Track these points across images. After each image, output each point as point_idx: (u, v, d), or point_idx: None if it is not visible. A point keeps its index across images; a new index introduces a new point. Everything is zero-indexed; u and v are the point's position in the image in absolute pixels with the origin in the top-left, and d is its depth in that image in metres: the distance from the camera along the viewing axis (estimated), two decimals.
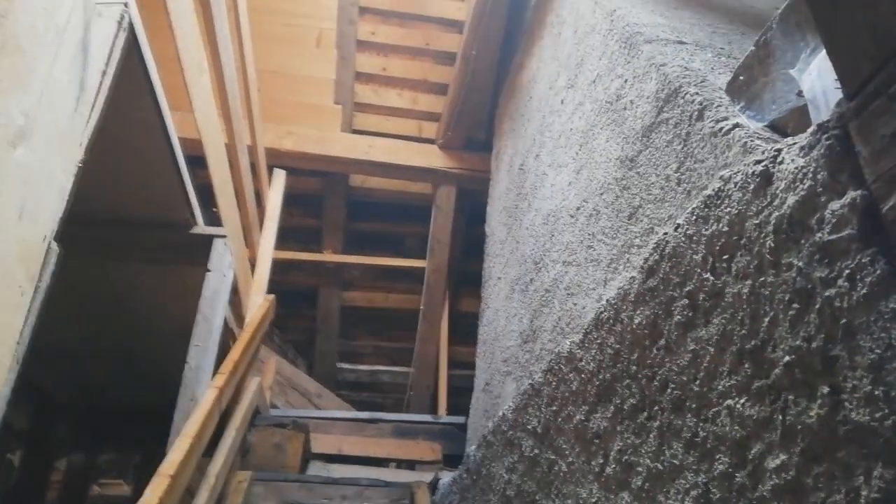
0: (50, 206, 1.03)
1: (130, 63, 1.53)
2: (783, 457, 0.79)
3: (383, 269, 4.90)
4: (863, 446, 0.68)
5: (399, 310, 5.05)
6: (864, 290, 0.70)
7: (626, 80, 1.84)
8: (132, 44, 1.44)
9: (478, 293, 3.51)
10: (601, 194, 1.86)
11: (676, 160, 1.41)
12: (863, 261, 0.70)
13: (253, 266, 3.37)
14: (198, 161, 2.23)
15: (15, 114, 0.92)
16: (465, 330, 4.39)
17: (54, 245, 1.05)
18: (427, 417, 4.27)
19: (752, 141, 1.14)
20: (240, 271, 2.79)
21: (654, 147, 1.55)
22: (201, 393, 2.05)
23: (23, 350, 0.99)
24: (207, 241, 2.19)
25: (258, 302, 3.21)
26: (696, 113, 1.37)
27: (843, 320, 0.72)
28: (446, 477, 2.81)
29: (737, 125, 1.22)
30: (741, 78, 1.29)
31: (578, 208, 2.06)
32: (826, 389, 0.73)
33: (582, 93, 2.25)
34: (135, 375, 3.21)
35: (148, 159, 1.90)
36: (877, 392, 0.67)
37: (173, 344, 2.25)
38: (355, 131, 4.44)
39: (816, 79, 0.96)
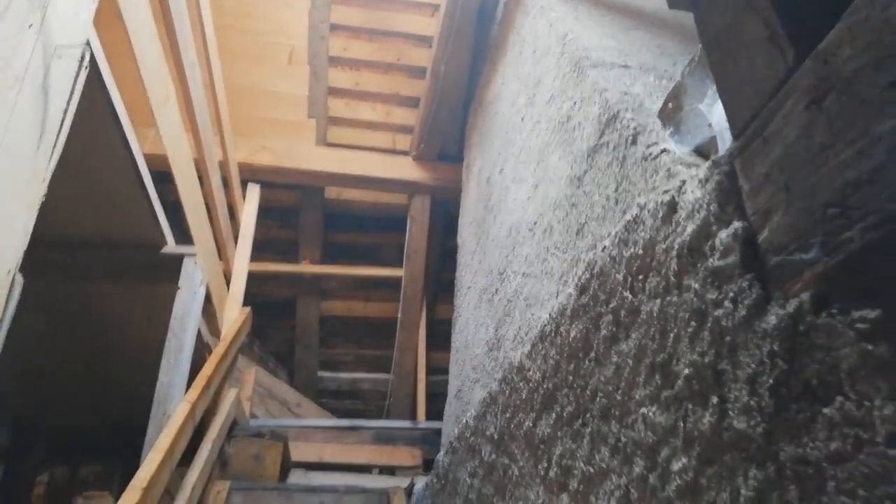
0: (13, 243, 1.10)
1: (93, 95, 1.59)
2: (684, 460, 0.87)
3: (361, 279, 4.97)
4: (742, 450, 0.76)
5: (377, 318, 5.13)
6: (743, 312, 0.78)
7: (574, 103, 1.93)
8: (95, 79, 1.51)
9: (453, 301, 3.59)
10: (554, 210, 1.95)
11: (615, 181, 1.50)
12: (742, 285, 0.79)
13: (228, 280, 3.43)
14: (168, 176, 2.28)
15: None
16: (442, 337, 4.47)
17: (18, 276, 1.11)
18: (406, 423, 4.35)
19: (675, 166, 1.23)
20: (213, 287, 2.85)
21: (598, 168, 1.64)
22: (174, 408, 2.11)
23: None
24: (178, 259, 2.25)
25: (234, 315, 3.28)
26: (630, 137, 1.46)
27: (728, 338, 0.81)
28: (421, 482, 2.89)
29: (664, 150, 1.31)
30: (670, 105, 1.38)
31: (535, 223, 2.14)
32: (715, 400, 0.82)
33: (539, 111, 2.34)
34: (113, 393, 3.25)
35: (115, 183, 1.96)
36: (752, 402, 0.75)
37: (148, 361, 2.30)
38: (329, 144, 4.51)
39: (721, 115, 1.05)
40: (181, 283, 2.22)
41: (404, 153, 4.47)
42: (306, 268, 4.83)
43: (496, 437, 1.70)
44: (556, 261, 1.85)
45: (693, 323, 0.88)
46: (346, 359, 5.27)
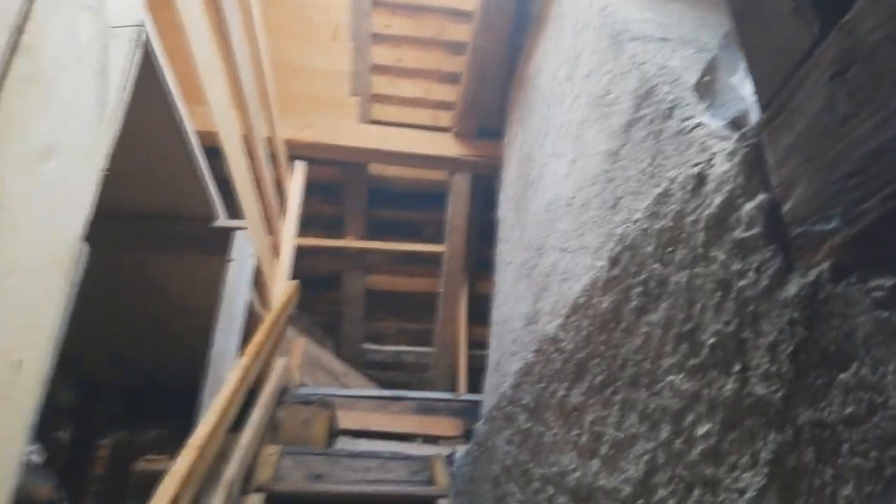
0: (78, 211, 1.18)
1: (147, 74, 1.67)
2: (708, 425, 0.90)
3: (403, 254, 5.05)
4: (762, 415, 0.79)
5: (420, 293, 5.21)
6: (766, 282, 0.81)
7: (612, 77, 1.93)
8: (148, 58, 1.58)
9: (493, 277, 3.64)
10: (591, 185, 1.96)
11: (650, 155, 1.51)
12: (766, 256, 0.81)
13: (277, 253, 3.55)
14: (218, 152, 2.38)
15: (44, 133, 1.07)
16: (482, 312, 4.51)
17: (84, 245, 1.20)
18: (448, 395, 4.43)
19: (708, 140, 1.23)
20: (262, 259, 2.96)
21: (633, 142, 1.65)
22: (227, 372, 2.22)
23: (61, 336, 1.15)
24: (228, 233, 2.35)
25: (282, 287, 3.39)
26: (666, 111, 1.47)
27: (751, 307, 0.83)
28: (462, 450, 2.97)
29: (699, 124, 1.32)
30: (706, 78, 1.38)
31: (573, 197, 2.16)
32: (738, 367, 0.85)
33: (578, 86, 2.34)
34: (171, 358, 3.42)
35: (168, 160, 2.05)
36: (772, 369, 0.78)
37: (204, 328, 2.42)
38: (372, 122, 4.57)
39: (751, 90, 1.05)
40: (232, 254, 2.31)
41: (445, 129, 4.49)
42: (351, 243, 4.93)
43: (531, 405, 1.75)
44: (592, 235, 1.87)
45: (718, 293, 0.90)
46: (390, 332, 5.38)
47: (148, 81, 1.71)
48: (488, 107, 4.01)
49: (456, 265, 4.66)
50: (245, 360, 2.35)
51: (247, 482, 2.65)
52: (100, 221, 1.30)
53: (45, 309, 1.11)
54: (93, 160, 1.26)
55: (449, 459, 3.15)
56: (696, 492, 0.91)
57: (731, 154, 0.91)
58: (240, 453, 2.36)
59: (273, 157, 3.52)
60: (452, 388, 4.80)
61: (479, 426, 2.41)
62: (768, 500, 0.75)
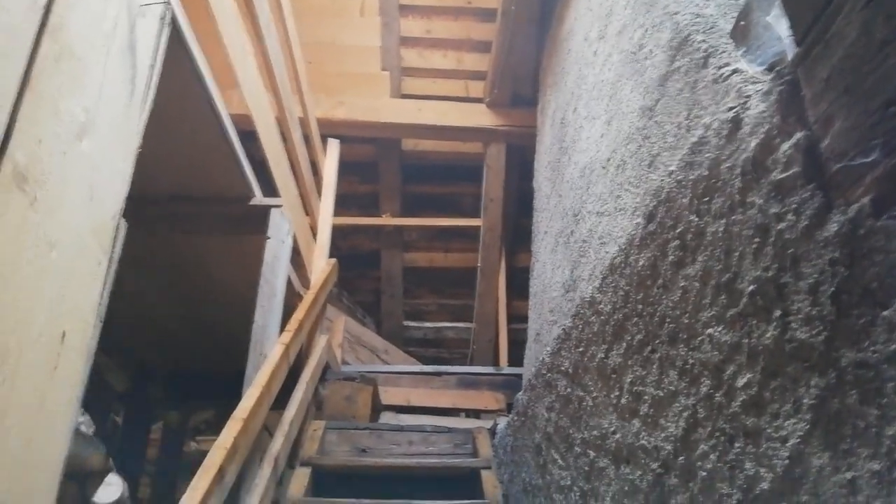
0: (115, 188, 1.21)
1: (177, 54, 1.69)
2: (749, 376, 0.88)
3: (440, 230, 5.05)
4: (804, 360, 0.76)
5: (458, 268, 5.21)
6: (805, 222, 0.77)
7: (646, 30, 1.87)
8: (177, 36, 1.60)
9: (531, 248, 3.61)
10: (627, 144, 1.92)
11: (686, 107, 1.46)
12: (804, 195, 0.78)
13: (314, 232, 3.58)
14: (253, 135, 2.40)
15: (77, 112, 1.09)
16: (522, 284, 4.49)
17: (122, 221, 1.23)
18: (489, 369, 4.44)
19: (745, 86, 1.19)
20: (300, 238, 2.99)
21: (669, 96, 1.60)
22: (269, 348, 2.26)
23: (103, 310, 1.18)
24: (265, 211, 2.37)
25: (321, 266, 3.43)
26: (701, 60, 1.42)
27: (791, 250, 0.80)
28: (503, 422, 2.97)
29: (735, 71, 1.26)
30: (742, 23, 1.32)
31: (609, 159, 2.11)
32: (778, 313, 0.82)
33: (611, 44, 2.28)
34: (217, 339, 3.50)
35: (203, 140, 2.07)
36: (813, 312, 0.75)
37: (243, 311, 2.47)
38: (404, 96, 4.55)
39: (786, 27, 1.00)
40: (270, 232, 2.34)
41: (478, 100, 4.45)
42: (387, 220, 4.95)
43: (570, 370, 1.73)
44: (629, 196, 1.83)
45: (756, 239, 0.87)
46: (430, 308, 5.40)
47: (178, 61, 1.73)
48: (521, 73, 3.95)
49: (493, 238, 4.64)
50: (286, 336, 2.39)
51: (293, 457, 2.71)
52: (139, 205, 1.33)
53: (87, 283, 1.14)
54: (127, 138, 1.28)
55: (491, 431, 3.16)
56: (738, 444, 0.89)
57: (767, 94, 0.88)
58: (284, 428, 2.40)
59: (307, 138, 3.54)
60: (494, 362, 4.81)
61: (520, 396, 2.40)
62: (812, 446, 0.73)
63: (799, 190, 0.79)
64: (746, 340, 0.89)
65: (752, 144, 0.89)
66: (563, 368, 1.80)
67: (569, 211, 2.65)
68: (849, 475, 0.66)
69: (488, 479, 2.75)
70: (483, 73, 4.46)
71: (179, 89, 1.82)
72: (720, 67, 1.34)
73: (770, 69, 1.27)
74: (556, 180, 3.04)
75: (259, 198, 2.40)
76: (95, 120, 1.14)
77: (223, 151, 2.13)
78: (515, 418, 2.42)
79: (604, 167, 2.17)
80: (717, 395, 0.96)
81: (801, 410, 0.76)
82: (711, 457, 0.96)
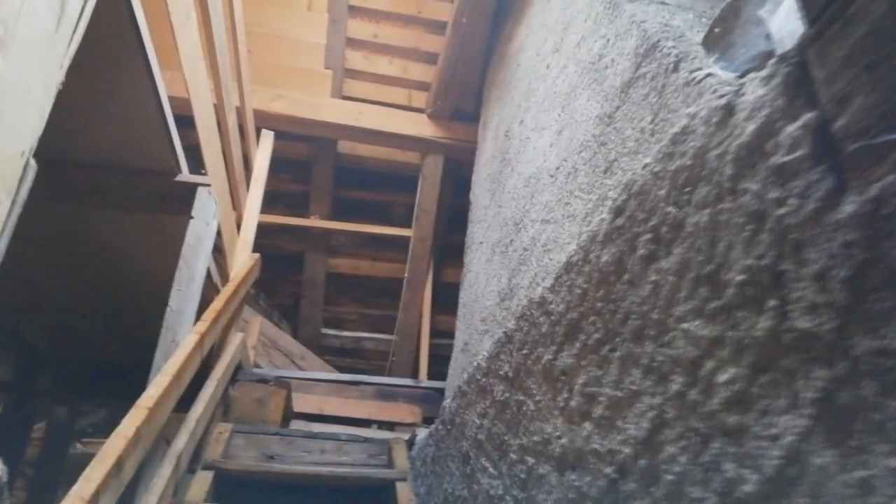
0: (29, 121, 1.05)
1: (116, 4, 1.53)
2: (732, 370, 0.82)
3: (369, 237, 4.92)
4: (804, 351, 0.71)
5: (384, 278, 5.09)
6: (813, 206, 0.73)
7: (608, 40, 1.86)
8: None
9: (460, 263, 3.55)
10: (580, 152, 1.89)
11: (651, 112, 1.44)
12: (812, 178, 0.74)
13: (239, 226, 3.39)
14: (185, 121, 2.22)
15: None
16: (447, 300, 4.42)
17: (32, 161, 1.06)
18: (408, 382, 4.32)
19: (721, 87, 1.17)
20: (225, 226, 2.81)
21: (632, 101, 1.57)
22: (182, 336, 2.07)
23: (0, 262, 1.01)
24: (191, 189, 2.19)
25: (243, 260, 3.24)
26: (671, 65, 1.40)
27: (792, 236, 0.75)
28: (423, 433, 2.86)
29: (709, 74, 1.25)
30: (716, 30, 1.31)
31: (558, 168, 2.08)
32: (773, 303, 0.77)
33: (566, 56, 2.27)
34: (119, 329, 3.23)
35: (133, 103, 1.89)
36: (819, 300, 0.70)
37: (156, 298, 2.26)
38: (345, 97, 4.43)
39: (784, 20, 0.98)
40: (194, 212, 2.16)
41: (419, 110, 4.39)
42: (315, 222, 4.78)
43: (510, 374, 1.66)
44: (580, 202, 1.80)
45: (749, 227, 0.83)
46: (351, 317, 5.24)
47: (117, 12, 1.57)
48: (466, 86, 3.92)
49: (423, 250, 4.56)
50: (202, 325, 2.20)
51: (194, 460, 2.50)
52: (53, 171, 1.16)
53: None
54: (48, 68, 1.12)
55: (409, 443, 3.04)
56: (715, 444, 0.83)
57: (768, 78, 0.84)
58: (190, 425, 2.21)
59: (241, 127, 3.36)
60: (413, 375, 4.70)
61: (447, 404, 2.31)
62: (812, 443, 0.68)
63: (805, 173, 0.75)
64: (731, 333, 0.84)
65: (749, 129, 0.85)
66: (501, 373, 1.72)
67: (509, 220, 2.61)
68: (860, 474, 0.61)
69: (403, 492, 2.62)
70: (427, 84, 4.42)
71: (114, 44, 1.65)
72: (692, 71, 1.32)
73: (743, 76, 1.26)
74: (497, 191, 3.00)
75: (186, 174, 2.22)
76: (15, 36, 0.99)
77: (154, 120, 1.95)
78: (440, 427, 2.33)
79: (552, 176, 2.14)
80: (690, 392, 0.90)
81: (798, 406, 0.71)
82: (681, 459, 0.90)
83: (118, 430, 1.51)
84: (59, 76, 1.13)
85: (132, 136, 2.05)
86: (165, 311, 2.08)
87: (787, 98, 0.80)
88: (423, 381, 4.33)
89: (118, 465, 1.42)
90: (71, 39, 1.16)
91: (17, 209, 1.04)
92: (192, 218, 2.16)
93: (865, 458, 0.60)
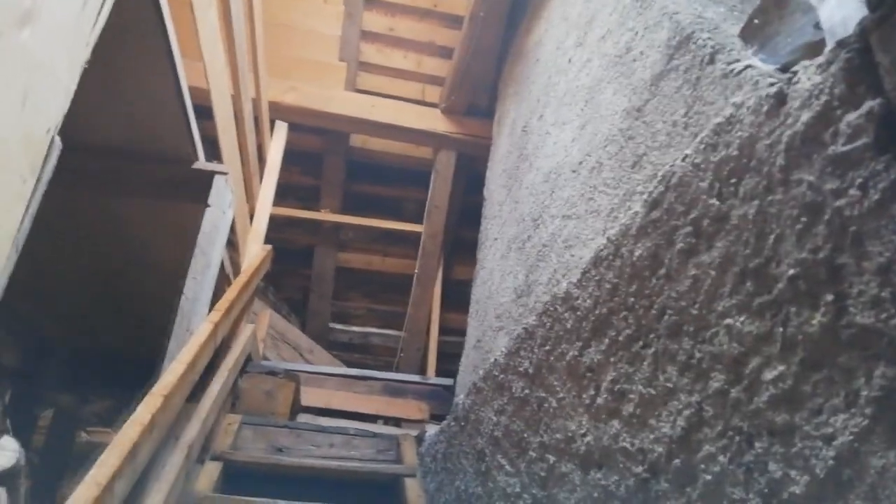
0: (54, 98, 1.02)
1: None
2: (781, 368, 0.79)
3: (380, 232, 4.90)
4: (866, 348, 0.68)
5: (394, 273, 5.06)
6: (877, 197, 0.70)
7: (636, 33, 1.82)
8: None
9: (471, 261, 3.52)
10: (605, 147, 1.86)
11: (685, 105, 1.41)
12: (876, 168, 0.71)
13: (252, 217, 3.37)
14: (202, 113, 2.20)
15: None
16: (457, 298, 4.40)
17: (57, 139, 1.04)
18: (416, 378, 4.29)
19: (763, 79, 1.14)
20: (239, 216, 2.79)
21: (662, 95, 1.54)
22: (197, 324, 2.05)
23: (22, 239, 0.99)
24: (208, 177, 2.17)
25: (255, 251, 3.22)
26: (707, 57, 1.37)
27: (853, 228, 0.72)
28: (432, 429, 2.84)
29: (749, 66, 1.22)
30: (756, 21, 1.28)
31: (581, 163, 2.05)
32: (830, 297, 0.74)
33: (590, 50, 2.24)
34: (130, 319, 3.21)
35: (153, 90, 1.87)
36: (883, 294, 0.67)
37: (167, 288, 2.24)
38: (359, 90, 4.40)
39: (836, 7, 0.95)
40: (211, 200, 2.14)
41: (433, 105, 4.36)
42: (326, 216, 4.75)
43: (531, 371, 1.63)
44: (605, 198, 1.77)
45: (804, 219, 0.80)
46: (359, 312, 5.22)
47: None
48: (480, 81, 3.89)
49: (434, 246, 4.53)
50: (215, 314, 2.18)
51: (203, 450, 2.48)
52: (70, 156, 1.13)
53: (6, 202, 0.95)
54: (75, 46, 1.09)
55: (419, 439, 3.02)
56: (760, 443, 0.80)
57: (826, 64, 0.81)
58: (202, 415, 2.19)
59: (256, 119, 3.34)
60: (420, 372, 4.67)
61: (461, 399, 2.28)
62: (871, 443, 0.65)
63: (867, 162, 0.71)
64: (780, 329, 0.81)
65: (804, 118, 0.82)
66: (521, 369, 1.69)
67: (526, 216, 2.58)
68: None
69: (412, 488, 2.60)
70: (441, 78, 4.38)
71: (134, 25, 1.62)
72: (730, 63, 1.29)
73: (785, 69, 1.23)
74: (513, 187, 2.97)
75: (203, 162, 2.20)
76: (43, 11, 0.96)
77: (173, 106, 1.93)
78: (453, 423, 2.30)
79: (574, 171, 2.11)
80: (733, 390, 0.87)
81: (856, 404, 0.67)
82: (720, 458, 0.87)
83: (133, 416, 1.49)
84: (84, 54, 1.11)
85: (150, 121, 2.03)
86: (176, 300, 2.06)
87: (848, 85, 0.77)
88: (432, 377, 4.30)
89: (133, 451, 1.40)
90: (98, 18, 1.14)
91: (42, 187, 1.02)
92: (208, 206, 2.14)
93: None
